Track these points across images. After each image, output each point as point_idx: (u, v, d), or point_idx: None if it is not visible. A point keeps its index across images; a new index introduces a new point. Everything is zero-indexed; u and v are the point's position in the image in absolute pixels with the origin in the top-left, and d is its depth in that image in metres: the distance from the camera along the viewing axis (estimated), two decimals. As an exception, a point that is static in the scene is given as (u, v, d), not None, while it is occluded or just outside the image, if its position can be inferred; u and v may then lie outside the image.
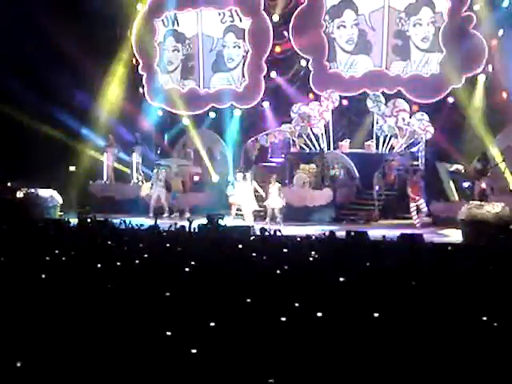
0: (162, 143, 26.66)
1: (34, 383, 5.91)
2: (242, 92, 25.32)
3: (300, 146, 24.51)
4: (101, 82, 25.63)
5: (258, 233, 14.18)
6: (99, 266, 9.80)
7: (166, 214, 22.60)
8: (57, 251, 10.96)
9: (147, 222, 15.57)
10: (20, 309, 7.38)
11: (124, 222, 15.02)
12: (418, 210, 20.92)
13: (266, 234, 13.57)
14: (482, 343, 6.42)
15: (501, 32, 22.31)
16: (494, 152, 21.91)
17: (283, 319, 6.96)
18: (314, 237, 13.19)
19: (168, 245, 12.05)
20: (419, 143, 23.12)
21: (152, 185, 23.30)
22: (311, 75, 24.33)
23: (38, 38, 23.18)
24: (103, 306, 7.49)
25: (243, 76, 25.26)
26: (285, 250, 11.40)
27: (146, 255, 10.77)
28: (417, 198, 20.88)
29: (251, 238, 13.67)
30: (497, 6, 22.39)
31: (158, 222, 15.23)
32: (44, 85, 23.56)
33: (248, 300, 7.68)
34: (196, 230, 14.68)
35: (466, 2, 22.32)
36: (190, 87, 26.01)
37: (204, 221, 16.02)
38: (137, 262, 10.31)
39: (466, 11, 22.33)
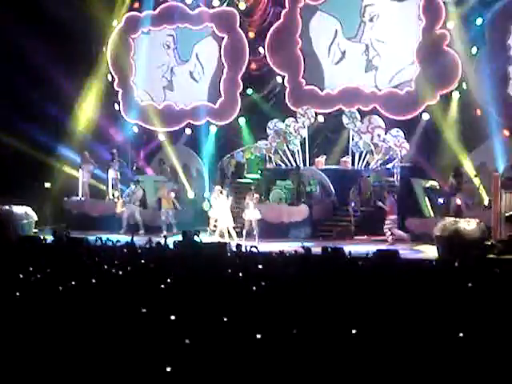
0: (138, 159, 26.59)
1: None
2: (218, 108, 25.34)
3: (276, 163, 24.55)
4: (76, 98, 25.57)
5: (234, 249, 14.15)
6: (74, 283, 9.73)
7: (141, 231, 22.47)
8: (31, 268, 10.87)
9: (123, 238, 15.49)
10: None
11: (100, 238, 14.92)
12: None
13: (242, 250, 13.56)
14: (458, 359, 6.43)
15: (474, 49, 22.52)
16: (468, 168, 22.05)
17: (258, 336, 6.94)
18: (289, 253, 13.17)
19: (143, 261, 12.00)
20: (394, 159, 23.23)
21: (124, 202, 23.19)
22: (287, 92, 24.43)
23: (12, 55, 23.10)
24: (79, 323, 7.43)
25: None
26: (260, 267, 11.38)
27: (121, 272, 10.71)
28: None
29: (227, 255, 13.65)
30: (471, 23, 22.61)
31: (134, 238, 15.16)
32: (19, 101, 23.46)
33: (223, 317, 7.65)
34: (172, 247, 14.62)
35: (439, 19, 22.53)
36: (166, 103, 26.02)
37: (180, 237, 15.95)
38: (112, 278, 10.25)
39: (440, 29, 22.55)
